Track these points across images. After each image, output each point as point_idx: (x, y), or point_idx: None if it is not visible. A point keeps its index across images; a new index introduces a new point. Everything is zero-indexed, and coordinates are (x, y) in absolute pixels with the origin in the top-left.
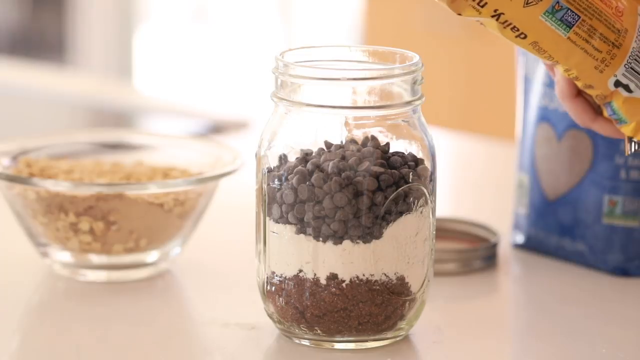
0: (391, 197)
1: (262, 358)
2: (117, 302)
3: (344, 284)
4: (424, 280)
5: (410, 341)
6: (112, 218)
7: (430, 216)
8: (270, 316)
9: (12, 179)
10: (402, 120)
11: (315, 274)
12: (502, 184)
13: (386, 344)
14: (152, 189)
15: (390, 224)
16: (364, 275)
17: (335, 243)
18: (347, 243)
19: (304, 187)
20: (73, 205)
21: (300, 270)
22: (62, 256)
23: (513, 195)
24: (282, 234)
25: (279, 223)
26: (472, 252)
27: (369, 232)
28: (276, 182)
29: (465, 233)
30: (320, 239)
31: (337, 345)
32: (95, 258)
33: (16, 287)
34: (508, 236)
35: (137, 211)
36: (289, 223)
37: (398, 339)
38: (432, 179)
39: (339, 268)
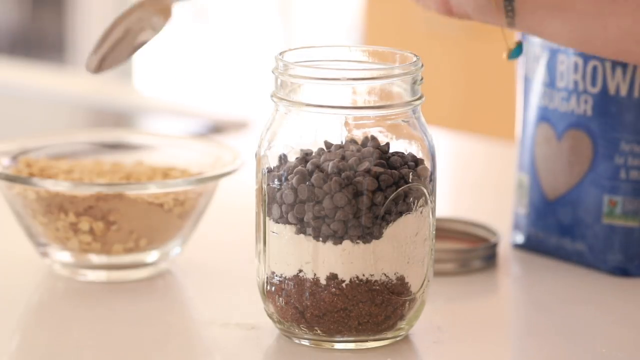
0: (391, 197)
1: (262, 358)
2: (117, 302)
3: (343, 284)
4: (424, 280)
5: (410, 341)
6: (112, 218)
7: (430, 216)
8: (270, 316)
9: (12, 179)
10: (402, 120)
11: (315, 274)
12: (502, 184)
13: (386, 344)
14: (152, 189)
15: (390, 224)
16: (363, 275)
17: (335, 243)
18: (347, 243)
19: (303, 187)
20: (73, 205)
21: (300, 270)
22: (62, 256)
23: (513, 195)
24: (282, 234)
25: (278, 223)
26: (472, 252)
27: (369, 232)
28: (276, 182)
29: (465, 233)
30: (320, 239)
31: (337, 345)
32: (95, 258)
33: (16, 287)
34: (508, 236)
35: (137, 211)
36: (289, 223)
37: (398, 339)
38: (432, 179)
39: (339, 268)
